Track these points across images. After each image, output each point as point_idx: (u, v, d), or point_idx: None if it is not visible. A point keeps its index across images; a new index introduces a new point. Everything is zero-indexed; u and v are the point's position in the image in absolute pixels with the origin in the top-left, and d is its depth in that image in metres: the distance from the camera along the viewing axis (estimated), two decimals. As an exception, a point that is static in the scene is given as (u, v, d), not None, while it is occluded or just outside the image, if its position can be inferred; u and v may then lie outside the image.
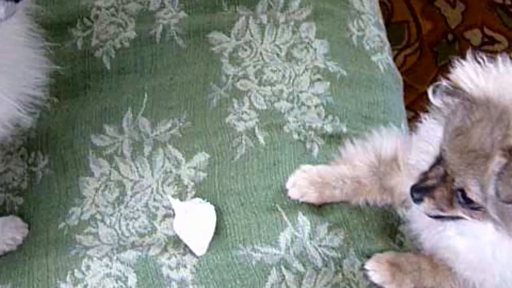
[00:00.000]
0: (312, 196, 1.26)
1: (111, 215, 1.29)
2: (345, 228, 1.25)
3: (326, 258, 1.22)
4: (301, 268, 1.22)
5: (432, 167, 1.06)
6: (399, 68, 1.60)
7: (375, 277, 1.21)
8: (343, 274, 1.22)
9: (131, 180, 1.32)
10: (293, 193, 1.26)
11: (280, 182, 1.29)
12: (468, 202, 1.00)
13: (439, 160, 1.03)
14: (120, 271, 1.23)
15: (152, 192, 1.30)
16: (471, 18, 2.28)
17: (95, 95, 1.41)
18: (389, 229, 1.29)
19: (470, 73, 0.99)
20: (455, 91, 0.99)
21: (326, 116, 1.36)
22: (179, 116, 1.36)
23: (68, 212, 1.31)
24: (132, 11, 1.47)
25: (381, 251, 1.24)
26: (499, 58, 1.01)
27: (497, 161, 0.92)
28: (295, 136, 1.33)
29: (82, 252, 1.25)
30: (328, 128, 1.34)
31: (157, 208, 1.28)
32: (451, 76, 1.01)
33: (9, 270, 1.26)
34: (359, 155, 1.28)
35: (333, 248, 1.23)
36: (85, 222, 1.29)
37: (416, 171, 1.10)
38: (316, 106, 1.37)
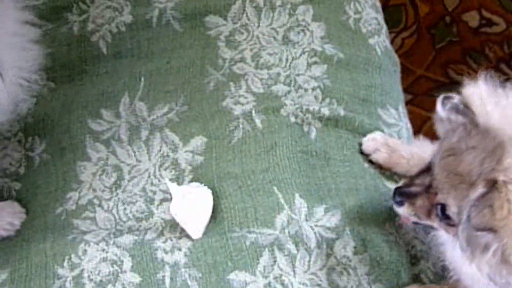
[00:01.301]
0: (381, 155, 1.32)
1: (109, 199, 1.29)
2: (341, 210, 1.25)
3: (320, 239, 1.22)
4: (293, 249, 1.22)
5: (421, 172, 1.08)
6: (396, 51, 1.60)
7: None
8: (336, 258, 1.22)
9: (128, 165, 1.32)
10: (367, 145, 1.33)
11: (277, 164, 1.29)
12: (446, 218, 1.02)
13: (429, 169, 1.05)
14: (116, 255, 1.23)
15: (149, 176, 1.30)
16: (468, 0, 2.28)
17: (91, 79, 1.41)
18: (386, 213, 1.29)
19: (482, 96, 1.00)
20: (464, 110, 1.00)
21: (323, 99, 1.36)
22: (176, 100, 1.36)
23: (65, 197, 1.30)
24: (128, -5, 1.47)
25: (376, 234, 1.24)
26: (509, 87, 1.01)
27: (478, 190, 0.94)
28: (292, 119, 1.33)
29: (80, 237, 1.26)
30: (325, 111, 1.34)
31: (154, 192, 1.28)
32: (463, 92, 1.01)
33: (7, 255, 1.26)
34: (428, 145, 1.29)
35: (328, 229, 1.24)
36: (82, 206, 1.29)
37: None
38: (313, 89, 1.37)
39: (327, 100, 1.36)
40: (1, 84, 1.09)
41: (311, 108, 1.34)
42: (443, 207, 1.01)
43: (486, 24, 2.25)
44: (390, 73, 1.48)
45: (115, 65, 1.42)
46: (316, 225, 1.23)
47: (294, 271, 1.21)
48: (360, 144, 1.34)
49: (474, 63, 2.15)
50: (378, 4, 1.57)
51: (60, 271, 1.23)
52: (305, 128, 1.32)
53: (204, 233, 1.23)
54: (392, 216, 1.28)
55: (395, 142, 1.33)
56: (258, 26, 1.43)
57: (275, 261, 1.21)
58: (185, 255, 1.22)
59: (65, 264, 1.24)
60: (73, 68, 1.42)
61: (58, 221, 1.29)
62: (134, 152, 1.32)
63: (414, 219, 1.11)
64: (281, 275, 1.20)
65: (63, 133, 1.36)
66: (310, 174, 1.29)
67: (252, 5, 1.44)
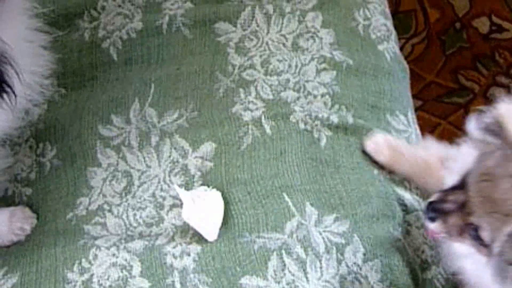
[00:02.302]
0: (384, 155, 1.30)
1: (119, 205, 1.30)
2: (351, 219, 1.25)
3: (329, 244, 1.22)
4: (301, 253, 1.22)
5: (455, 188, 1.04)
6: (406, 57, 1.60)
7: None
8: (347, 265, 1.22)
9: (138, 170, 1.32)
10: (369, 146, 1.31)
11: (287, 171, 1.29)
12: (479, 239, 0.99)
13: (463, 185, 1.01)
14: (125, 260, 1.24)
15: (159, 182, 1.30)
16: (478, 6, 2.28)
17: (102, 86, 1.42)
18: (396, 219, 1.29)
19: None
20: (498, 131, 0.96)
21: (332, 105, 1.37)
22: (186, 106, 1.37)
23: (76, 203, 1.31)
24: (138, 2, 1.48)
25: (385, 240, 1.24)
26: None
27: None
28: (302, 126, 1.33)
29: (90, 242, 1.26)
30: (334, 118, 1.34)
31: (164, 198, 1.29)
32: (496, 111, 0.97)
33: (17, 259, 1.27)
34: (434, 147, 1.29)
35: (337, 234, 1.24)
36: (93, 212, 1.30)
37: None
38: (322, 96, 1.37)
39: (336, 107, 1.36)
40: (19, 85, 1.10)
41: (320, 115, 1.34)
42: (477, 229, 0.98)
43: (496, 30, 2.24)
44: (399, 79, 1.48)
45: (126, 72, 1.42)
46: (324, 231, 1.23)
47: (307, 278, 1.20)
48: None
49: (484, 69, 2.15)
50: (388, 11, 1.57)
51: (70, 275, 1.24)
52: (315, 135, 1.32)
53: (219, 235, 1.24)
54: (401, 222, 1.29)
55: (400, 143, 1.32)
56: (268, 32, 1.43)
57: (284, 266, 1.21)
58: (194, 260, 1.22)
59: (75, 268, 1.24)
60: (84, 75, 1.43)
61: (68, 226, 1.29)
62: (144, 158, 1.33)
63: (444, 236, 1.07)
64: (293, 280, 1.20)
65: (73, 139, 1.37)
66: (320, 182, 1.29)
67: (261, 12, 1.45)
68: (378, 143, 1.31)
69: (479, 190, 0.97)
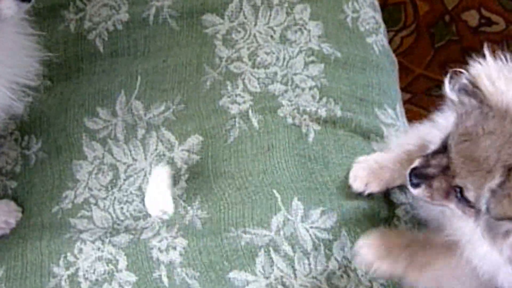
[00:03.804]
0: (374, 185, 1.25)
1: (105, 198, 1.29)
2: (338, 212, 1.24)
3: (316, 241, 1.22)
4: (289, 250, 1.21)
5: (436, 152, 1.04)
6: (395, 50, 1.60)
7: (369, 253, 1.16)
8: (336, 260, 1.21)
9: (124, 163, 1.31)
10: (357, 186, 1.25)
11: (275, 167, 1.28)
12: (464, 200, 0.99)
13: (445, 148, 1.01)
14: (111, 254, 1.23)
15: (145, 175, 1.30)
16: (468, -1, 2.28)
17: (88, 78, 1.41)
18: (385, 212, 1.28)
19: (492, 74, 0.96)
20: (474, 91, 0.96)
21: (320, 98, 1.36)
22: (173, 99, 1.36)
23: (61, 196, 1.31)
24: (124, -7, 1.47)
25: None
26: None
27: (495, 179, 0.91)
28: (289, 120, 1.32)
29: (76, 236, 1.26)
30: (322, 112, 1.33)
31: (150, 192, 1.28)
32: (471, 72, 0.97)
33: (2, 253, 1.26)
34: (409, 140, 1.26)
35: (324, 230, 1.23)
36: (78, 205, 1.29)
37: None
38: (310, 88, 1.37)
39: (324, 100, 1.36)
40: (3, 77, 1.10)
41: (308, 109, 1.33)
42: (462, 190, 0.98)
43: (485, 23, 2.24)
44: (388, 73, 1.47)
45: (112, 64, 1.41)
46: (311, 227, 1.23)
47: (295, 274, 1.20)
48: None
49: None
50: (377, 3, 1.56)
51: (55, 269, 1.24)
52: (303, 130, 1.31)
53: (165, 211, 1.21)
54: (389, 216, 1.28)
55: (378, 159, 1.27)
56: (255, 24, 1.42)
57: (272, 262, 1.21)
58: (180, 255, 1.22)
59: (61, 262, 1.24)
60: (70, 67, 1.42)
61: (54, 219, 1.29)
62: (130, 151, 1.32)
63: (428, 200, 1.06)
64: (282, 276, 1.20)
65: (59, 131, 1.36)
66: (309, 178, 1.28)
67: (249, 4, 1.44)
68: (361, 176, 1.26)
69: (460, 151, 0.97)
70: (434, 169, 1.03)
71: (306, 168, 1.29)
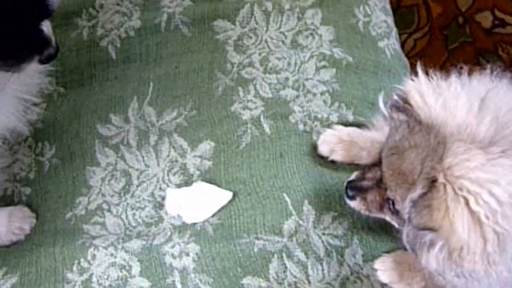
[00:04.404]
0: (339, 154, 1.27)
1: (117, 204, 1.30)
2: (349, 218, 1.25)
3: (329, 247, 1.22)
4: (302, 256, 1.22)
5: (373, 165, 1.07)
6: (409, 52, 1.59)
7: (383, 277, 1.21)
8: (348, 266, 1.21)
9: (137, 170, 1.32)
10: (323, 148, 1.28)
11: (286, 172, 1.28)
12: (396, 212, 1.02)
13: (381, 162, 1.03)
14: (124, 260, 1.24)
15: (158, 181, 1.30)
16: (481, 0, 2.26)
17: (101, 84, 1.41)
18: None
19: (422, 90, 0.97)
20: (404, 107, 0.98)
21: (332, 103, 1.36)
22: (185, 105, 1.36)
23: (75, 202, 1.31)
24: (137, 0, 1.47)
25: (385, 242, 1.24)
26: (452, 77, 0.99)
27: (417, 191, 0.93)
28: (301, 127, 1.32)
29: (89, 242, 1.26)
30: (334, 118, 1.34)
31: (163, 198, 1.28)
32: (403, 88, 1.00)
33: (17, 259, 1.27)
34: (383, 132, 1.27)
35: (336, 237, 1.23)
36: (92, 211, 1.30)
37: None
38: (322, 94, 1.37)
39: (336, 105, 1.36)
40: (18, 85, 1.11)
41: (319, 116, 1.34)
42: (393, 203, 1.01)
43: (499, 24, 2.23)
44: (400, 76, 1.47)
45: (124, 70, 1.42)
46: (323, 233, 1.23)
47: (308, 280, 1.20)
48: (315, 147, 1.31)
49: (487, 64, 2.14)
50: (388, 7, 1.56)
51: (69, 275, 1.24)
52: (314, 137, 1.32)
53: (202, 222, 1.24)
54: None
55: (351, 133, 1.29)
56: (267, 30, 1.43)
57: (286, 268, 1.21)
58: (193, 260, 1.22)
59: (74, 268, 1.25)
60: (83, 73, 1.43)
61: (67, 226, 1.30)
62: (143, 157, 1.33)
63: (365, 212, 1.10)
64: (295, 282, 1.20)
65: (72, 138, 1.37)
66: (319, 182, 1.28)
67: (260, 9, 1.44)
68: (330, 141, 1.29)
69: (390, 164, 0.99)
70: (369, 182, 1.06)
71: (317, 172, 1.29)
